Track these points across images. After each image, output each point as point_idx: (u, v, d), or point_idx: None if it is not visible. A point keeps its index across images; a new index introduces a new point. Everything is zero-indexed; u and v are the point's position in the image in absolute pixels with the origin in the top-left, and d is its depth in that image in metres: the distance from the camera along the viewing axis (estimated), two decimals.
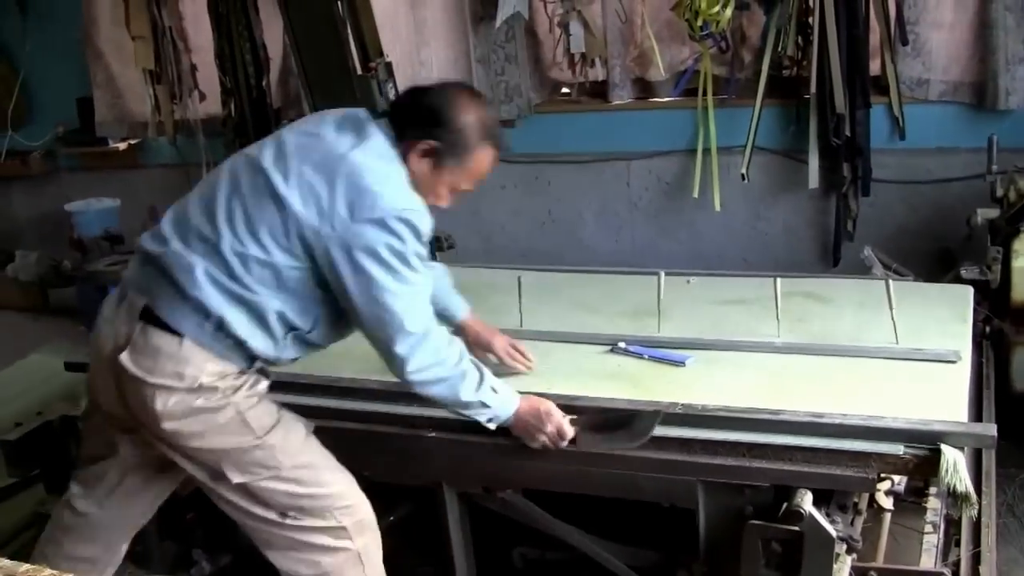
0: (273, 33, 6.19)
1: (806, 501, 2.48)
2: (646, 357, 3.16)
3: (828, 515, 2.52)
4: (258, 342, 2.61)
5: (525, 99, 5.71)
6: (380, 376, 3.08)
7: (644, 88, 5.58)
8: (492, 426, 2.77)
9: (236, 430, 2.64)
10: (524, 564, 3.33)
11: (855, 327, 3.28)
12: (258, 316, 2.59)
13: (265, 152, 2.65)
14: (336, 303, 2.64)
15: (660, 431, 2.71)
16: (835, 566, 2.49)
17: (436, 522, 3.10)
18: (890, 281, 3.23)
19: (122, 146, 6.99)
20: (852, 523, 2.63)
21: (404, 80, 5.32)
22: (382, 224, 2.50)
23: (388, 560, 2.82)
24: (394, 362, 2.63)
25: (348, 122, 2.70)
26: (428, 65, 5.91)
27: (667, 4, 5.18)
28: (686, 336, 3.28)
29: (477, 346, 3.14)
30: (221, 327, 2.57)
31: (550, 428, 2.74)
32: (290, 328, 2.66)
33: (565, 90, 5.92)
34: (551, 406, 2.76)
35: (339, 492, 2.77)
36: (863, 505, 2.81)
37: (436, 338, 2.64)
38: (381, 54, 4.86)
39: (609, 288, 3.89)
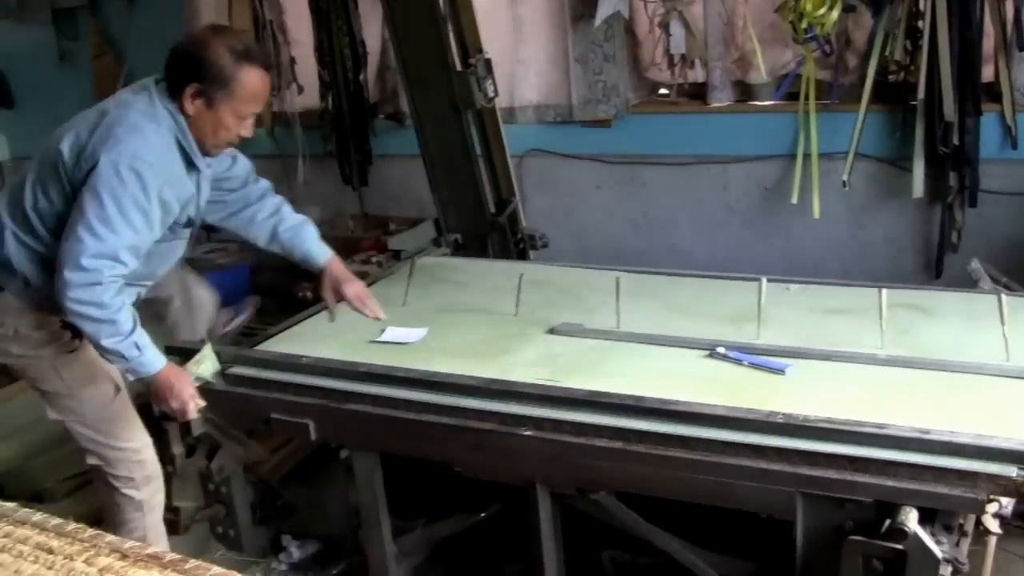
0: (371, 28, 6.24)
1: (911, 519, 2.41)
2: (745, 363, 3.11)
3: (933, 535, 2.45)
4: (17, 284, 3.06)
5: (623, 99, 5.67)
6: (476, 372, 3.10)
7: (744, 91, 5.52)
8: (131, 377, 3.09)
9: (51, 378, 3.15)
10: (614, 567, 3.30)
11: (962, 341, 3.19)
12: (53, 269, 2.92)
13: (65, 125, 3.03)
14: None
15: (759, 439, 2.65)
16: None
17: (527, 521, 3.07)
18: (1002, 295, 3.15)
19: None
20: (958, 545, 2.56)
21: (502, 78, 5.32)
22: (113, 166, 2.81)
23: (477, 557, 2.84)
24: (58, 284, 2.88)
25: (135, 86, 3.07)
26: (526, 63, 5.90)
27: (770, 6, 5.11)
28: (786, 344, 3.21)
29: (333, 291, 3.50)
30: (27, 283, 3.03)
31: (174, 403, 3.08)
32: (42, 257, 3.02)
33: (663, 91, 5.87)
34: (184, 386, 3.09)
35: (136, 447, 3.27)
36: (969, 527, 2.73)
37: (104, 283, 2.86)
38: (480, 50, 4.85)
39: (707, 292, 3.84)
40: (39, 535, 1.71)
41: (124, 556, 1.63)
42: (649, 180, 5.77)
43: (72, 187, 2.93)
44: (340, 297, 3.52)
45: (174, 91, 2.96)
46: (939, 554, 2.39)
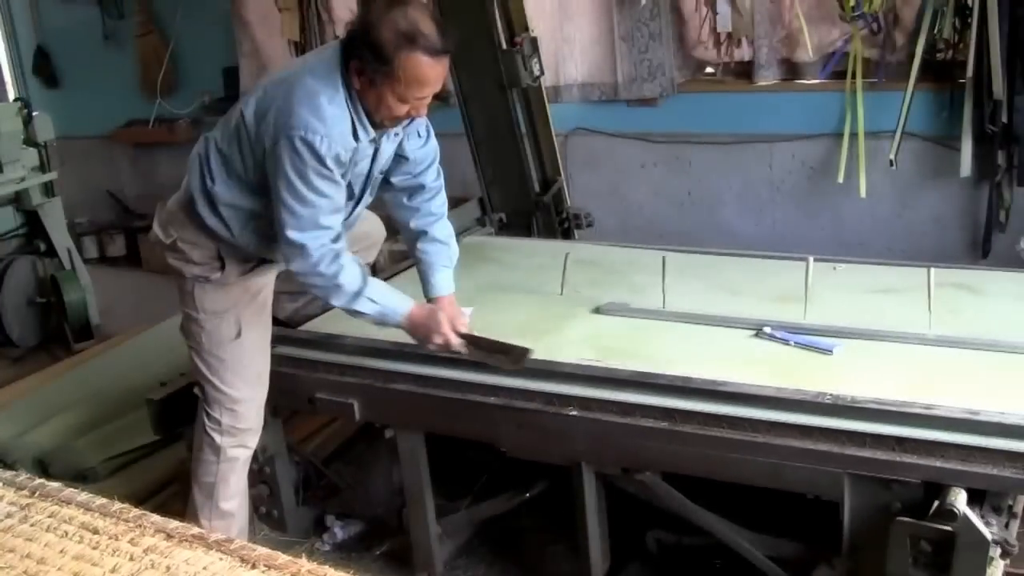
0: None
1: (960, 500, 2.40)
2: (792, 343, 3.09)
3: (982, 516, 2.43)
4: (214, 223, 3.11)
5: (668, 78, 5.65)
6: None
7: (791, 69, 5.48)
8: (381, 326, 3.16)
9: (187, 300, 3.24)
10: (659, 548, 3.30)
11: (1011, 321, 3.15)
12: (211, 202, 3.09)
13: (269, 78, 3.12)
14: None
15: (807, 420, 2.64)
16: (988, 570, 2.41)
17: (572, 501, 3.08)
18: None
19: None
20: (1007, 526, 2.54)
21: (548, 56, 5.31)
22: (290, 141, 2.83)
23: (523, 536, 2.84)
24: (283, 255, 3.06)
25: (324, 49, 3.11)
26: (571, 41, 5.89)
27: None
28: (833, 324, 3.19)
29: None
30: (192, 205, 3.12)
31: (438, 338, 3.07)
32: (240, 211, 3.10)
33: (709, 70, 5.85)
34: (442, 317, 3.08)
35: (234, 396, 3.27)
36: (1018, 508, 2.71)
37: (315, 254, 2.95)
38: (527, 29, 4.84)
39: (753, 272, 3.82)
40: (84, 515, 1.72)
41: (169, 536, 1.64)
42: (695, 159, 5.75)
43: (253, 152, 2.99)
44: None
45: (346, 60, 2.89)
46: (988, 535, 2.37)
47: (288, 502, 3.69)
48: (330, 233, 2.96)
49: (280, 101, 2.88)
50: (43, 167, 5.91)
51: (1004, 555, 2.47)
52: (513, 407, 3.01)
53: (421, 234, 3.33)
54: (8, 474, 1.91)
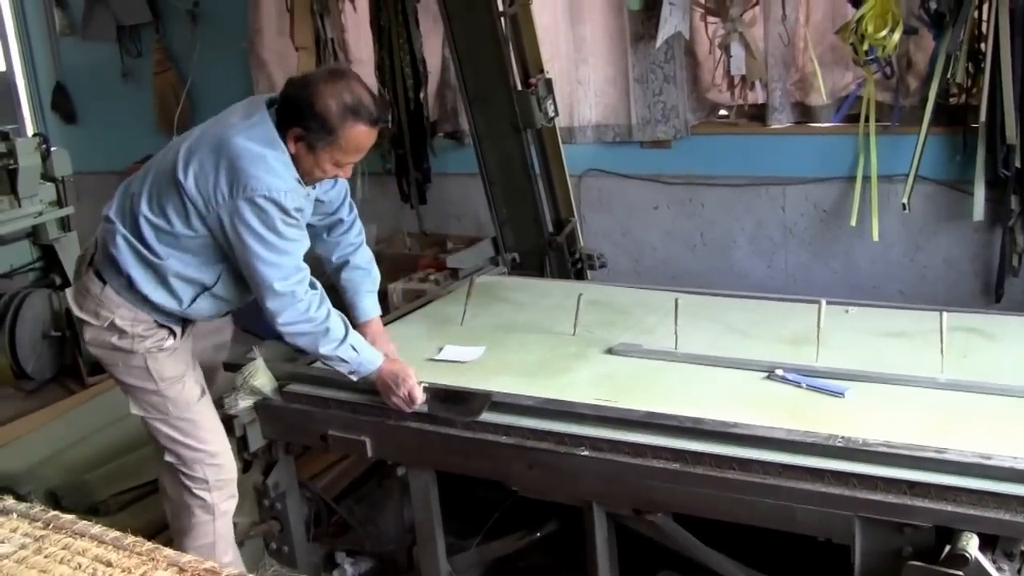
0: (432, 46, 6.29)
1: (972, 545, 2.39)
2: (804, 386, 3.09)
3: (994, 561, 2.42)
4: (160, 297, 3.13)
5: (682, 120, 5.69)
6: (534, 391, 3.11)
7: (804, 112, 5.51)
8: (354, 378, 3.20)
9: (141, 374, 3.22)
10: None
11: None
12: (160, 277, 3.11)
13: (184, 140, 3.12)
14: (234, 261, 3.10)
15: (818, 463, 2.63)
16: None
17: (582, 541, 3.07)
18: None
19: None
20: (1019, 572, 2.52)
21: (562, 97, 5.34)
22: (252, 202, 2.92)
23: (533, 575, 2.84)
24: (267, 315, 3.08)
25: (249, 107, 3.12)
26: (586, 83, 5.93)
27: (831, 28, 5.12)
28: (845, 367, 3.19)
29: None
30: (131, 283, 3.11)
31: (402, 391, 3.14)
32: (193, 284, 3.15)
33: (723, 112, 5.88)
34: (408, 373, 3.16)
35: (212, 451, 3.32)
36: None
37: (304, 298, 3.05)
38: (541, 71, 4.88)
39: (765, 314, 3.82)
40: (97, 548, 1.73)
41: (182, 570, 1.64)
42: (707, 201, 5.77)
43: (201, 219, 3.02)
44: None
45: (281, 125, 3.01)
46: None
47: (299, 538, 3.69)
48: (308, 276, 3.09)
49: (226, 171, 2.96)
50: (60, 202, 5.96)
51: None
52: (525, 446, 3.01)
53: (344, 264, 3.52)
54: (23, 506, 1.92)
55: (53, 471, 4.53)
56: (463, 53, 4.83)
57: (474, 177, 5.14)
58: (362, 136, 3.02)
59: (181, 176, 3.00)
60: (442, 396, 3.19)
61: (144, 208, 3.08)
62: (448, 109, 6.46)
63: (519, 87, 4.77)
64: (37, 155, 5.83)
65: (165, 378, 3.23)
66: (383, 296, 5.50)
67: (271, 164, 2.95)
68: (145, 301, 3.13)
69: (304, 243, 3.10)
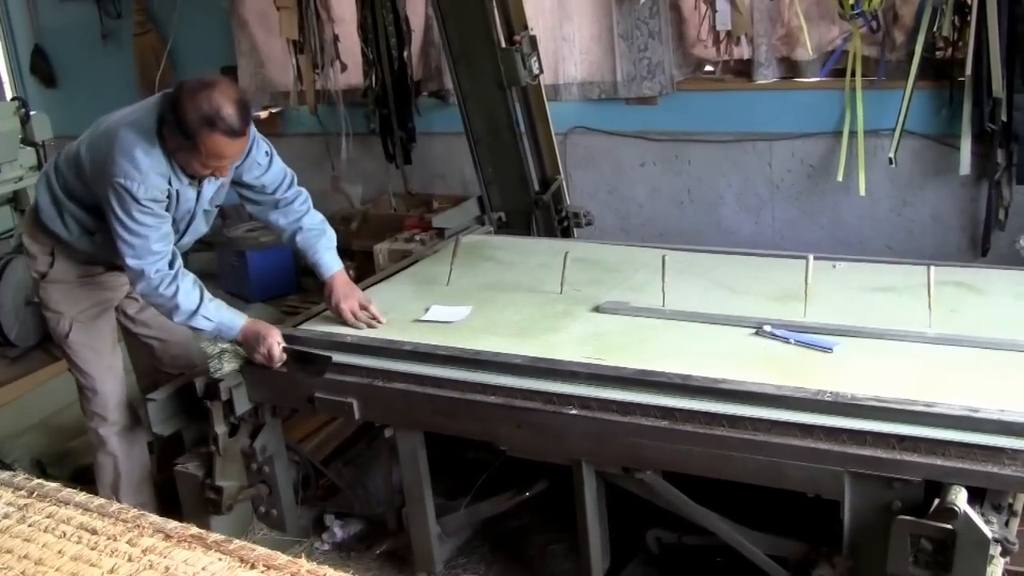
0: (415, 5, 6.23)
1: (960, 498, 2.39)
2: (792, 342, 3.08)
3: (983, 514, 2.43)
4: (56, 225, 3.48)
5: (667, 76, 5.66)
6: (521, 351, 3.09)
7: (790, 68, 5.47)
8: (226, 339, 3.45)
9: (40, 297, 3.67)
10: (659, 547, 3.29)
11: (1011, 319, 3.15)
12: (56, 205, 3.47)
13: (110, 116, 3.39)
14: None
15: (807, 418, 2.63)
16: (988, 568, 2.40)
17: (572, 500, 3.07)
18: None
19: (264, 115, 7.09)
20: (1007, 524, 2.53)
21: (547, 55, 5.30)
22: (112, 187, 3.18)
23: (523, 535, 2.83)
24: (128, 278, 3.43)
25: (149, 101, 3.33)
26: (571, 40, 5.89)
27: None
28: (833, 322, 3.18)
29: (335, 305, 3.61)
30: (37, 209, 3.52)
31: (262, 349, 3.37)
32: (81, 226, 3.47)
33: (708, 68, 5.84)
34: (270, 333, 3.40)
35: (90, 386, 3.71)
36: (1018, 507, 2.71)
37: (155, 277, 3.28)
38: (525, 27, 4.83)
39: (752, 270, 3.81)
40: (82, 515, 1.72)
41: (168, 536, 1.63)
42: (694, 157, 5.75)
43: (89, 189, 3.36)
44: (336, 313, 3.61)
45: (161, 122, 3.22)
46: (989, 534, 2.37)
47: (287, 502, 3.68)
48: (164, 258, 3.31)
49: (104, 152, 3.24)
50: (40, 166, 5.91)
51: (1004, 553, 2.46)
52: (513, 406, 3.00)
53: (296, 230, 3.71)
54: (6, 474, 1.91)
55: (38, 439, 4.51)
56: (446, 10, 4.78)
57: (459, 136, 5.11)
58: (221, 145, 3.16)
59: (84, 150, 3.37)
60: (295, 356, 3.40)
61: (62, 160, 3.47)
62: (432, 68, 6.42)
63: (503, 44, 4.73)
64: (16, 119, 5.80)
65: (49, 308, 3.64)
66: (368, 257, 5.49)
67: (135, 155, 3.18)
68: (44, 228, 3.50)
69: (163, 229, 3.30)
